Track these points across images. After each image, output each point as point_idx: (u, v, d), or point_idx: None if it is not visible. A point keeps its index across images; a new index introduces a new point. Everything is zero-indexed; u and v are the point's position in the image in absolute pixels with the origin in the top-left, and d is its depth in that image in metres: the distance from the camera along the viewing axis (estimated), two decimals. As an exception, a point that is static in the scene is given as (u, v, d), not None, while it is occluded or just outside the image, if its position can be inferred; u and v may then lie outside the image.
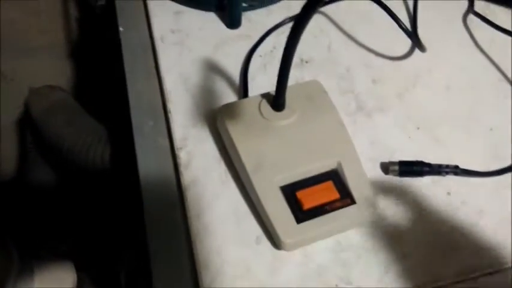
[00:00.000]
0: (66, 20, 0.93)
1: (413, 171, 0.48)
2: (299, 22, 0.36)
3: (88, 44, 0.92)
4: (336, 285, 0.42)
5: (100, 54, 0.70)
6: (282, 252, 0.43)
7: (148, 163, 0.48)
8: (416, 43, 0.57)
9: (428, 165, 0.48)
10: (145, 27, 0.59)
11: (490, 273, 0.44)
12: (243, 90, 0.54)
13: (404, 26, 0.56)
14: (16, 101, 0.82)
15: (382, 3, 0.56)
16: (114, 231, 0.65)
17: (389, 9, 0.56)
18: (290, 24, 0.46)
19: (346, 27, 0.61)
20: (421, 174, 0.48)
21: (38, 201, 0.71)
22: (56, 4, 0.92)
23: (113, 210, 0.66)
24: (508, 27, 0.61)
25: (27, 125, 0.76)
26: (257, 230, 0.44)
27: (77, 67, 0.92)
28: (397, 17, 0.55)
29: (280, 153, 0.45)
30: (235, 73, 0.56)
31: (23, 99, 0.81)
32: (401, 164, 0.48)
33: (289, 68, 0.42)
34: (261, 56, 0.57)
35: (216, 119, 0.49)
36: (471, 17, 0.64)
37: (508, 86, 0.57)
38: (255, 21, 0.61)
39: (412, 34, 0.57)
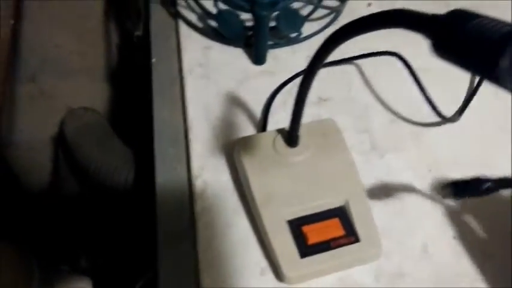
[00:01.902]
0: (106, 45, 0.98)
1: (469, 191, 0.44)
2: (306, 75, 0.39)
3: (125, 70, 0.97)
4: (335, 321, 0.43)
5: (135, 80, 0.74)
6: (284, 285, 0.44)
7: (166, 189, 0.50)
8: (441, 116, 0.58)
9: (486, 181, 0.43)
10: (176, 59, 0.63)
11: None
12: (262, 124, 0.56)
13: (431, 101, 0.58)
14: (53, 118, 0.87)
15: (415, 75, 0.58)
16: (133, 251, 0.68)
17: (420, 83, 0.58)
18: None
19: (367, 72, 0.63)
20: (478, 192, 0.43)
21: (63, 217, 0.75)
22: (99, 30, 0.97)
23: (133, 232, 0.68)
24: None
25: (61, 142, 0.80)
26: (263, 261, 0.46)
27: (113, 91, 0.97)
28: (424, 90, 0.57)
29: (290, 188, 0.47)
30: (256, 108, 0.58)
31: (59, 118, 0.86)
32: (453, 185, 0.44)
33: (302, 109, 0.44)
34: (281, 93, 0.60)
35: (233, 151, 0.52)
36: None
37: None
38: (279, 58, 0.64)
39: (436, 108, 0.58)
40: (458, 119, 0.57)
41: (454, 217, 0.50)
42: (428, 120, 0.58)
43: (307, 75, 0.40)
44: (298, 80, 0.60)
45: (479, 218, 0.51)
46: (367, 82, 0.62)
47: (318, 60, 0.37)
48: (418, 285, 0.46)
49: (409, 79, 0.59)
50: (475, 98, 0.58)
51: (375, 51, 0.63)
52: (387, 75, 0.62)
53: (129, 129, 0.78)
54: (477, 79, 0.58)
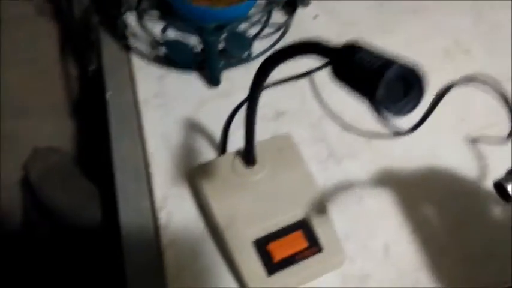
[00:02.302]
0: (66, 80, 0.98)
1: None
2: (249, 103, 0.41)
3: (88, 104, 0.97)
4: (308, 332, 0.44)
5: (96, 114, 0.75)
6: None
7: (130, 224, 0.51)
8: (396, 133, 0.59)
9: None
10: (131, 91, 0.64)
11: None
12: (222, 146, 0.57)
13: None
14: (18, 160, 0.87)
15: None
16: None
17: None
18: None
19: (319, 83, 0.65)
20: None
21: (36, 260, 0.75)
22: (56, 65, 0.97)
23: (104, 269, 0.69)
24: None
25: (27, 186, 0.80)
26: (232, 284, 0.47)
27: (77, 126, 0.97)
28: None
29: (252, 207, 0.48)
30: (216, 130, 0.59)
31: (24, 159, 0.86)
32: None
33: (253, 129, 0.46)
34: (240, 112, 0.61)
35: (194, 178, 0.53)
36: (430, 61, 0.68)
37: (466, 126, 0.60)
38: (233, 79, 0.65)
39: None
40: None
41: (411, 214, 0.52)
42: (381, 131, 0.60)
43: (250, 102, 0.41)
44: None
45: (434, 212, 0.53)
46: (319, 93, 0.64)
47: (256, 89, 0.38)
48: (382, 285, 0.47)
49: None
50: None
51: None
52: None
53: (94, 164, 0.79)
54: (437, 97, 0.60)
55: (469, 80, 0.60)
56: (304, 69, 0.65)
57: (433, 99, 0.58)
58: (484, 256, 0.50)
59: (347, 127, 0.60)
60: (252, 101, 0.41)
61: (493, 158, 0.58)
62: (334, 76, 0.28)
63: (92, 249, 0.71)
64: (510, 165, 0.44)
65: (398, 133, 0.57)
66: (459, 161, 0.57)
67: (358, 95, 0.27)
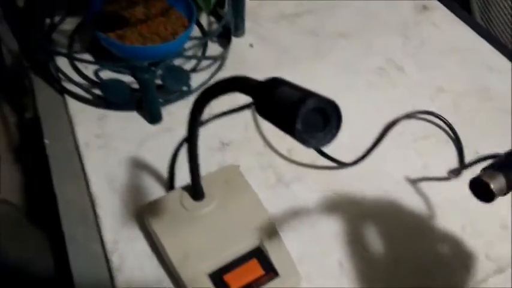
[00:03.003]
0: (5, 128, 0.95)
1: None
2: (189, 139, 0.42)
3: (29, 151, 0.94)
4: None
5: (39, 161, 0.73)
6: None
7: (83, 270, 0.50)
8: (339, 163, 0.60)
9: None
10: (70, 136, 0.62)
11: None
12: (169, 182, 0.57)
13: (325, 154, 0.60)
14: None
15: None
16: None
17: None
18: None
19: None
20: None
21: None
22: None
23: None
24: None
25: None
26: (193, 319, 0.46)
27: (21, 173, 0.94)
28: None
29: (204, 241, 0.48)
30: (161, 167, 0.59)
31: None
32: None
33: (196, 164, 0.46)
34: (185, 146, 0.61)
35: (143, 218, 0.52)
36: (368, 78, 0.71)
37: (406, 138, 0.63)
38: (175, 113, 0.65)
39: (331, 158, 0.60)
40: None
41: (361, 231, 0.53)
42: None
43: (190, 137, 0.41)
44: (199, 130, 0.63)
45: (382, 222, 0.54)
46: (262, 121, 0.64)
47: (193, 126, 0.39)
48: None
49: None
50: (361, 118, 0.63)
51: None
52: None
53: (42, 212, 0.76)
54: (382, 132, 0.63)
55: (412, 115, 0.65)
56: (245, 101, 0.66)
57: (378, 135, 0.62)
58: (434, 267, 0.51)
59: (292, 152, 0.61)
60: (191, 136, 0.41)
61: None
62: (258, 112, 0.29)
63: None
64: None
65: (342, 164, 0.59)
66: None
67: (281, 130, 0.28)
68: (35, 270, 0.66)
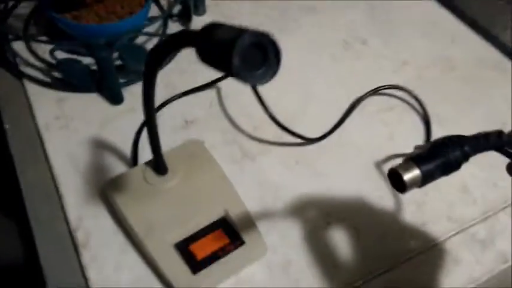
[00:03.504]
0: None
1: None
2: (146, 110, 0.42)
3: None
4: (240, 324, 0.45)
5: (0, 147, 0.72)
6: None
7: (49, 250, 0.49)
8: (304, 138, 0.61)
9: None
10: (30, 119, 0.62)
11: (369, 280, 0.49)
12: (133, 160, 0.57)
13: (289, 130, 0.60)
14: None
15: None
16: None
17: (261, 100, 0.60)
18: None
19: (222, 84, 0.66)
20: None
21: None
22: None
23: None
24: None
25: None
26: (161, 290, 0.47)
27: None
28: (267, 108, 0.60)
29: (169, 213, 0.48)
30: (124, 147, 0.59)
31: None
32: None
33: (156, 137, 0.46)
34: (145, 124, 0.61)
35: (106, 194, 0.52)
36: (332, 51, 0.72)
37: (369, 109, 0.64)
38: (137, 93, 0.64)
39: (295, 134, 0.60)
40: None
41: (326, 201, 0.55)
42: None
43: (146, 104, 0.41)
44: (163, 109, 0.63)
45: (346, 193, 0.55)
46: (226, 98, 0.65)
47: (148, 90, 0.39)
48: (304, 269, 0.49)
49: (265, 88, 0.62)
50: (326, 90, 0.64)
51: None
52: (242, 89, 0.64)
53: (7, 198, 0.75)
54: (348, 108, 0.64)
55: (376, 90, 0.66)
56: (208, 79, 0.66)
57: (345, 112, 0.63)
58: (396, 231, 0.53)
59: (258, 129, 0.61)
60: (148, 102, 0.42)
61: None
62: (201, 59, 0.29)
63: (15, 284, 0.67)
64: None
65: (308, 140, 0.59)
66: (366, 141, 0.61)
67: (222, 71, 0.28)
68: (3, 258, 0.65)
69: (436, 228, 0.53)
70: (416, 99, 0.65)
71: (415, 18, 0.80)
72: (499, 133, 0.34)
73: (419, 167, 0.33)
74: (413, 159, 0.33)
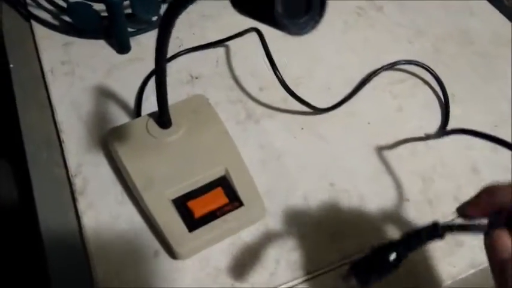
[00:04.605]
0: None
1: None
2: (157, 60, 0.40)
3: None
4: (232, 284, 0.45)
5: (2, 87, 0.71)
6: (178, 261, 0.45)
7: (45, 193, 0.49)
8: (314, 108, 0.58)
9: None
10: (36, 61, 0.61)
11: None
12: (136, 111, 0.56)
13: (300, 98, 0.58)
14: None
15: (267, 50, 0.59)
16: (21, 267, 0.65)
17: (272, 61, 0.58)
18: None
19: (231, 42, 0.65)
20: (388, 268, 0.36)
21: None
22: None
23: (20, 246, 0.66)
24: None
25: None
26: (155, 244, 0.46)
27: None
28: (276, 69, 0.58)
29: (169, 168, 0.48)
30: (129, 96, 0.58)
31: None
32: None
33: (164, 89, 0.45)
34: (153, 77, 0.60)
35: (107, 143, 0.51)
36: (345, 18, 0.70)
37: (381, 79, 0.63)
38: (144, 44, 0.63)
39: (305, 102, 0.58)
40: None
41: (329, 165, 0.54)
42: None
43: (157, 61, 0.40)
44: (169, 63, 0.61)
45: (351, 161, 0.55)
46: (233, 56, 0.64)
47: (162, 44, 0.38)
48: (305, 236, 0.48)
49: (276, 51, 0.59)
50: (336, 56, 0.63)
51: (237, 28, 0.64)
52: (251, 49, 0.63)
53: (4, 140, 0.75)
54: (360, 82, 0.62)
55: (392, 65, 0.63)
56: (218, 37, 0.64)
57: (357, 84, 0.61)
58: (400, 206, 0.52)
59: (264, 90, 0.60)
60: (160, 57, 0.40)
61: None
62: (235, 6, 0.27)
63: (8, 226, 0.67)
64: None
65: (315, 109, 0.58)
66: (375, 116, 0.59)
67: (259, 19, 0.26)
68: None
69: (443, 208, 0.52)
70: (435, 77, 0.63)
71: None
72: (434, 226, 0.35)
73: (356, 277, 0.35)
74: (352, 268, 0.36)
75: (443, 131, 0.57)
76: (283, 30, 0.25)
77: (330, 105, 0.59)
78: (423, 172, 0.54)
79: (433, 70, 0.63)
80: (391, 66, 0.63)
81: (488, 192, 0.35)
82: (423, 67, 0.64)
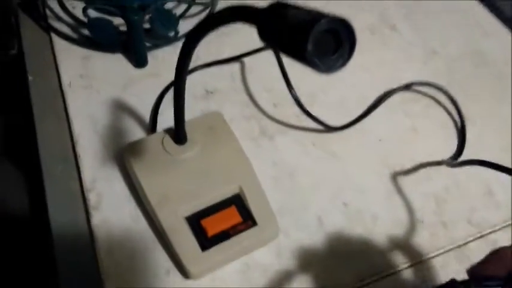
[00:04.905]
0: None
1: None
2: (176, 78, 0.40)
3: (9, 89, 0.92)
4: (245, 305, 0.44)
5: (20, 99, 0.72)
6: (190, 281, 0.45)
7: (59, 207, 0.49)
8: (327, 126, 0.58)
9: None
10: (54, 73, 0.61)
11: (383, 277, 0.47)
12: (151, 126, 0.56)
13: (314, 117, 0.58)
14: None
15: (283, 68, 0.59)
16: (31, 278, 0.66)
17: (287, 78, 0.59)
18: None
19: (246, 58, 0.65)
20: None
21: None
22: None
23: (31, 255, 0.66)
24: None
25: None
26: (167, 262, 0.46)
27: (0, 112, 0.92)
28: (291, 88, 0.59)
29: (183, 185, 0.48)
30: (144, 111, 0.58)
31: None
32: None
33: (182, 106, 0.45)
34: (170, 92, 0.60)
35: (123, 158, 0.51)
36: (358, 36, 0.70)
37: (393, 99, 0.62)
38: (161, 59, 0.64)
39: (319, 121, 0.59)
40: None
41: (343, 184, 0.54)
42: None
43: (178, 74, 0.40)
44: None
45: (364, 179, 0.54)
46: (248, 72, 0.64)
47: (184, 60, 0.38)
48: (317, 255, 0.48)
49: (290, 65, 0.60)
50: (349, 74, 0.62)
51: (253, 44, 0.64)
52: (267, 65, 0.63)
53: (19, 151, 0.75)
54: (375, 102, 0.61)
55: (408, 86, 0.63)
56: (232, 53, 0.65)
57: (372, 103, 0.61)
58: (413, 225, 0.52)
59: (278, 106, 0.60)
60: (180, 73, 0.41)
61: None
62: (263, 39, 0.27)
63: (20, 238, 0.68)
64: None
65: (329, 128, 0.58)
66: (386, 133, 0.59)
67: (288, 55, 0.26)
68: (9, 207, 0.66)
69: (457, 231, 0.51)
70: (451, 100, 0.63)
71: (446, 6, 0.77)
72: (452, 283, 0.33)
73: None
74: None
75: (460, 161, 0.55)
76: (312, 68, 0.25)
77: (343, 123, 0.58)
78: (436, 193, 0.54)
79: (449, 92, 0.63)
80: (406, 88, 0.63)
81: (497, 256, 0.36)
82: (440, 89, 0.63)
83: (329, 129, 0.58)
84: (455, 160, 0.56)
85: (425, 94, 0.64)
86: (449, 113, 0.62)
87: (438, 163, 0.56)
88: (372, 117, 0.60)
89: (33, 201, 0.66)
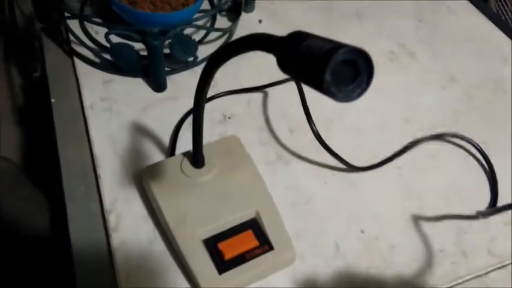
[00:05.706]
0: (10, 89, 0.96)
1: None
2: (195, 105, 0.41)
3: (32, 111, 0.95)
4: (260, 328, 0.45)
5: (43, 121, 0.73)
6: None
7: (80, 228, 0.50)
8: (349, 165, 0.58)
9: None
10: (77, 97, 0.63)
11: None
12: (170, 149, 0.58)
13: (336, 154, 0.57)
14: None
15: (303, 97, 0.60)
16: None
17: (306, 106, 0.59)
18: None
19: (263, 81, 0.66)
20: None
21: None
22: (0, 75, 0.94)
23: (52, 276, 0.67)
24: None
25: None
26: (184, 284, 0.47)
27: (23, 133, 0.94)
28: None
29: (201, 208, 0.49)
30: (163, 134, 0.59)
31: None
32: None
33: (200, 131, 0.46)
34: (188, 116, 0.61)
35: (142, 180, 0.52)
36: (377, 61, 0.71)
37: (412, 126, 0.63)
38: (180, 83, 0.65)
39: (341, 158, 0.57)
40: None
41: (360, 213, 0.54)
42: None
43: (197, 99, 0.41)
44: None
45: (383, 207, 0.55)
46: (265, 98, 0.65)
47: (203, 87, 0.39)
48: (333, 282, 0.48)
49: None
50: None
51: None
52: (284, 92, 0.65)
53: (42, 172, 0.77)
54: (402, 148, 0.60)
55: (437, 136, 0.61)
56: (251, 77, 0.66)
57: (397, 151, 0.59)
58: (433, 258, 0.52)
59: (294, 132, 0.61)
60: (199, 101, 0.42)
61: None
62: (281, 68, 0.28)
63: (40, 257, 0.69)
64: None
65: (352, 168, 0.57)
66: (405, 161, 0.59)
67: (306, 83, 0.27)
68: (30, 227, 0.67)
69: (478, 261, 0.51)
70: (481, 153, 0.60)
71: (465, 34, 0.78)
72: None
73: None
74: None
75: (494, 208, 0.55)
76: (330, 97, 0.25)
77: (363, 162, 0.58)
78: (457, 223, 0.54)
79: (478, 145, 0.61)
80: (435, 138, 0.62)
81: None
82: (470, 142, 0.61)
83: (352, 168, 0.57)
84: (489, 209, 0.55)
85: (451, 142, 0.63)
86: (474, 157, 0.62)
87: (474, 217, 0.54)
88: (389, 147, 0.60)
89: (55, 222, 0.68)
